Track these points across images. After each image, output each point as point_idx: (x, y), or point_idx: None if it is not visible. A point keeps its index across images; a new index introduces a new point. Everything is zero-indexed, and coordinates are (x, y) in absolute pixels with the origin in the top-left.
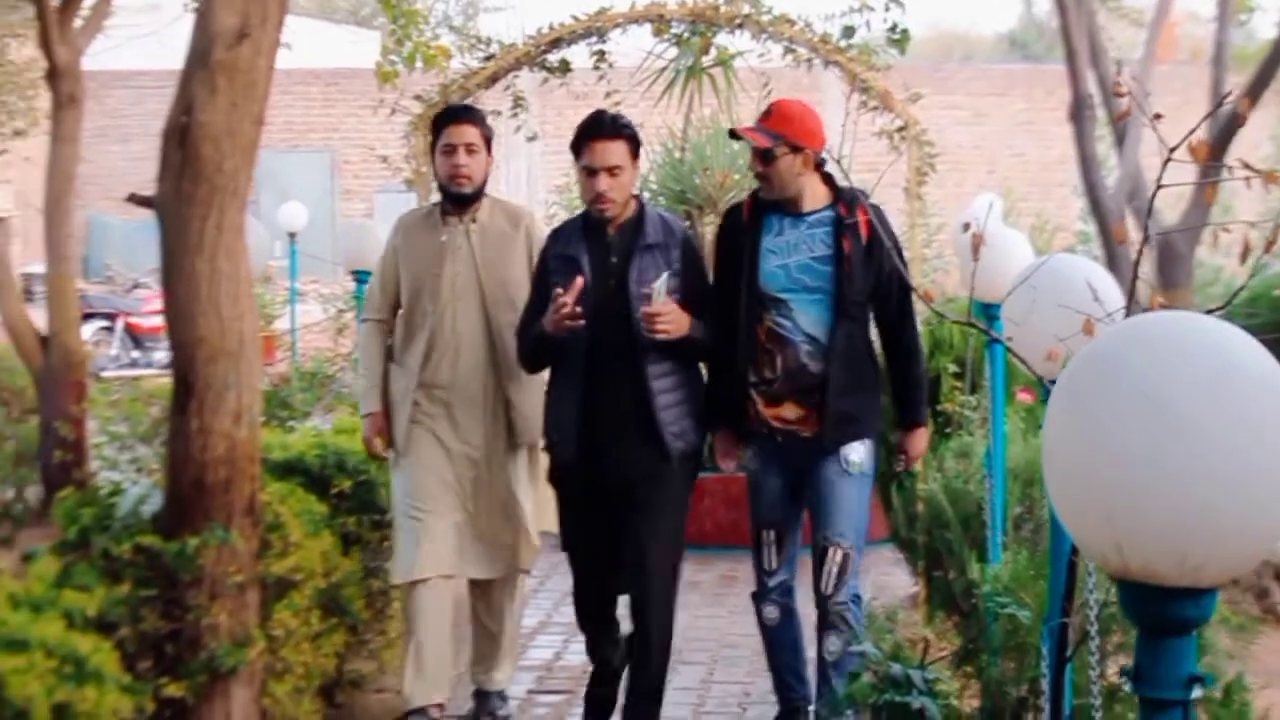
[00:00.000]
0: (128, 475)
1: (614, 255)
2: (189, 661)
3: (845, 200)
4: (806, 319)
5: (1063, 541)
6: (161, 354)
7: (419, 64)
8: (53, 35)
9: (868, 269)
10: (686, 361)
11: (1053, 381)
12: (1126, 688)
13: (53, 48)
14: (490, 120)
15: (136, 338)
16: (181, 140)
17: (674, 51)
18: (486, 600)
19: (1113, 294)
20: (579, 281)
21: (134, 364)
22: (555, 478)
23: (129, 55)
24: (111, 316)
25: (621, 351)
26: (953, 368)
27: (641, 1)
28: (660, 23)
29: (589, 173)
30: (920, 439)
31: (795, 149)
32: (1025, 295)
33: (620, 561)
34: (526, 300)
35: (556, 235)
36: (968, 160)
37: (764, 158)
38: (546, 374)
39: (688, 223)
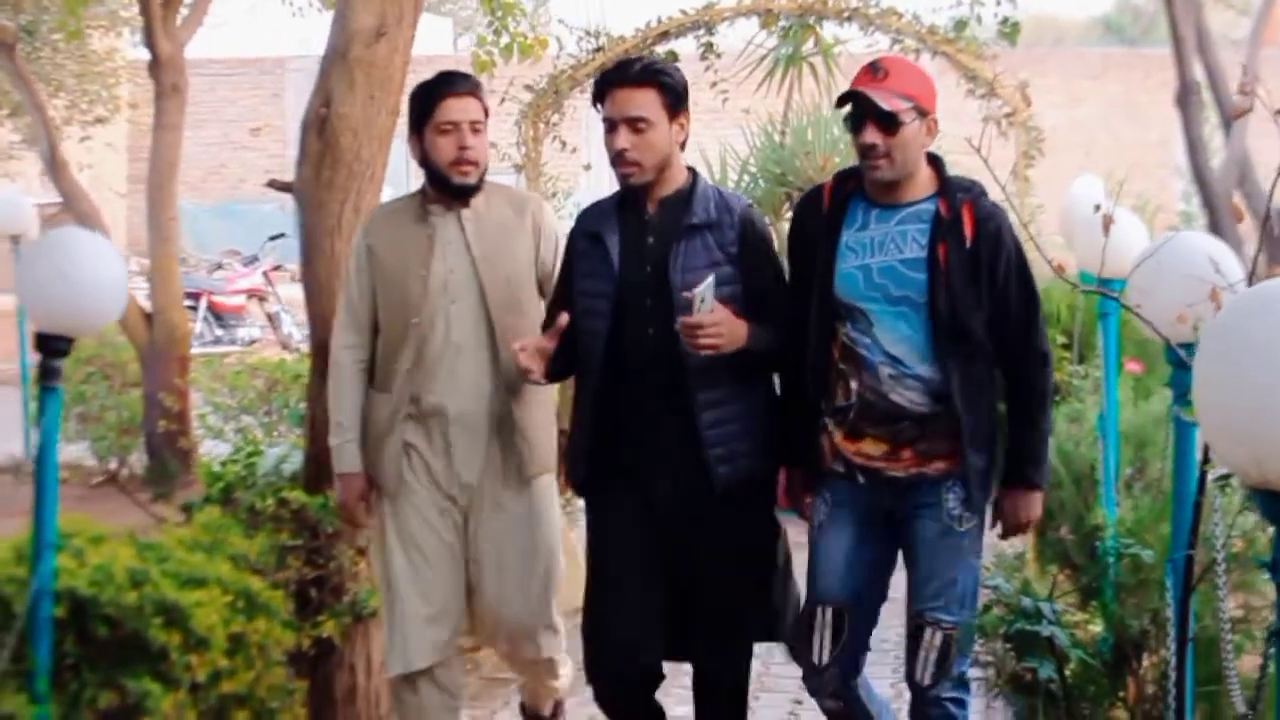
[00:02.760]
0: (233, 443)
1: (651, 236)
2: (333, 605)
3: (948, 193)
4: (889, 336)
5: (1186, 484)
6: (244, 331)
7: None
8: (156, 28)
9: (972, 281)
10: (747, 375)
11: (1182, 345)
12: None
13: (156, 40)
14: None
15: (220, 315)
16: (321, 130)
17: (774, 40)
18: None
19: (1231, 267)
20: (562, 319)
21: (217, 341)
22: (589, 523)
23: (199, 44)
24: (195, 295)
25: (658, 355)
26: (1061, 339)
27: None
28: (768, 16)
29: (608, 127)
30: (1032, 503)
31: (922, 114)
32: (1151, 268)
33: (670, 623)
34: (551, 296)
35: (586, 213)
36: (1063, 143)
37: (887, 125)
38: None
39: (786, 205)
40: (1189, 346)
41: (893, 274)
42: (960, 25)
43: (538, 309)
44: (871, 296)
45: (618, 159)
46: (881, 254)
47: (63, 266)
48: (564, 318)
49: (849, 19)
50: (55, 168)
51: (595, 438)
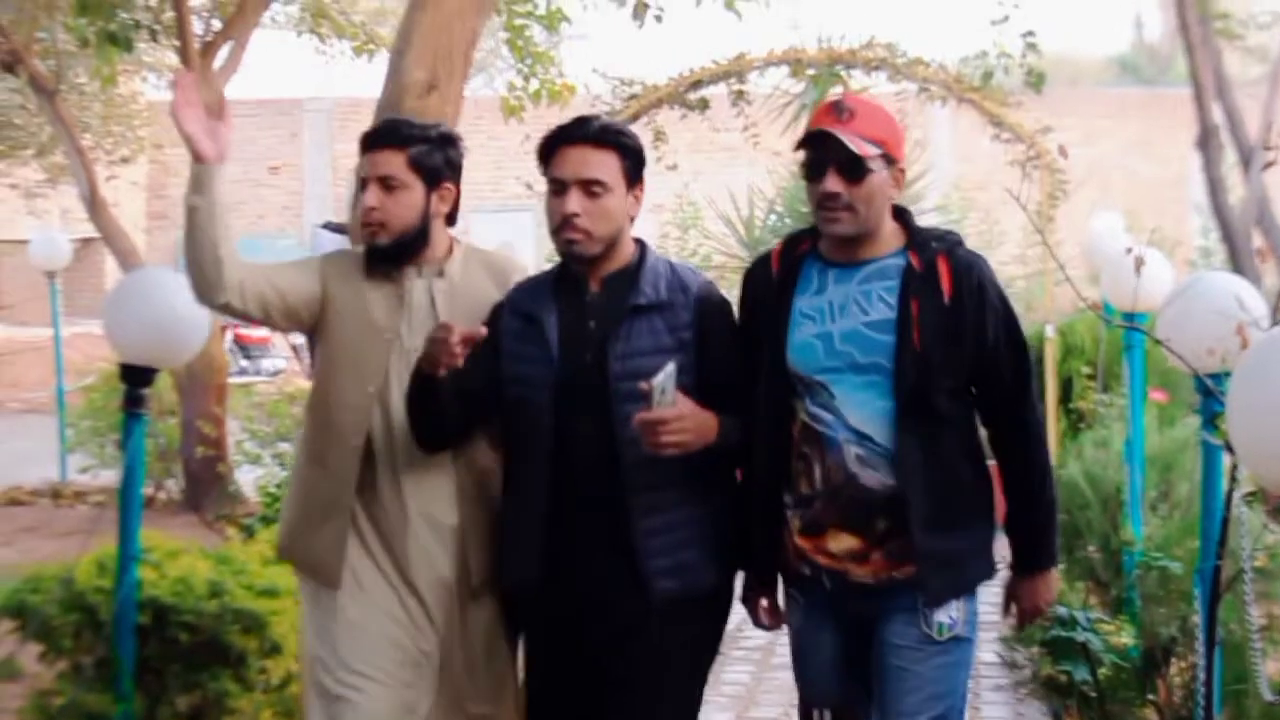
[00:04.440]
0: (269, 468)
1: (592, 318)
2: None
3: (919, 245)
4: (856, 411)
5: (1214, 500)
6: (268, 362)
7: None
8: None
9: (951, 339)
10: (707, 473)
11: (1210, 375)
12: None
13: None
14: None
15: (245, 347)
16: None
17: (801, 86)
18: None
19: (1256, 303)
20: (481, 332)
21: (243, 372)
22: (516, 616)
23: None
24: (222, 329)
25: (592, 454)
26: (1085, 369)
27: (780, 46)
28: (798, 65)
29: (556, 189)
30: (1047, 587)
31: (890, 161)
32: (1181, 306)
33: None
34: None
35: (519, 289)
36: (1080, 180)
37: (852, 172)
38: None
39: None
40: (1216, 376)
41: (858, 339)
42: (987, 76)
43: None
44: (833, 366)
45: (563, 225)
46: (844, 318)
47: (147, 303)
48: (481, 330)
49: (877, 68)
50: (94, 206)
51: (542, 542)
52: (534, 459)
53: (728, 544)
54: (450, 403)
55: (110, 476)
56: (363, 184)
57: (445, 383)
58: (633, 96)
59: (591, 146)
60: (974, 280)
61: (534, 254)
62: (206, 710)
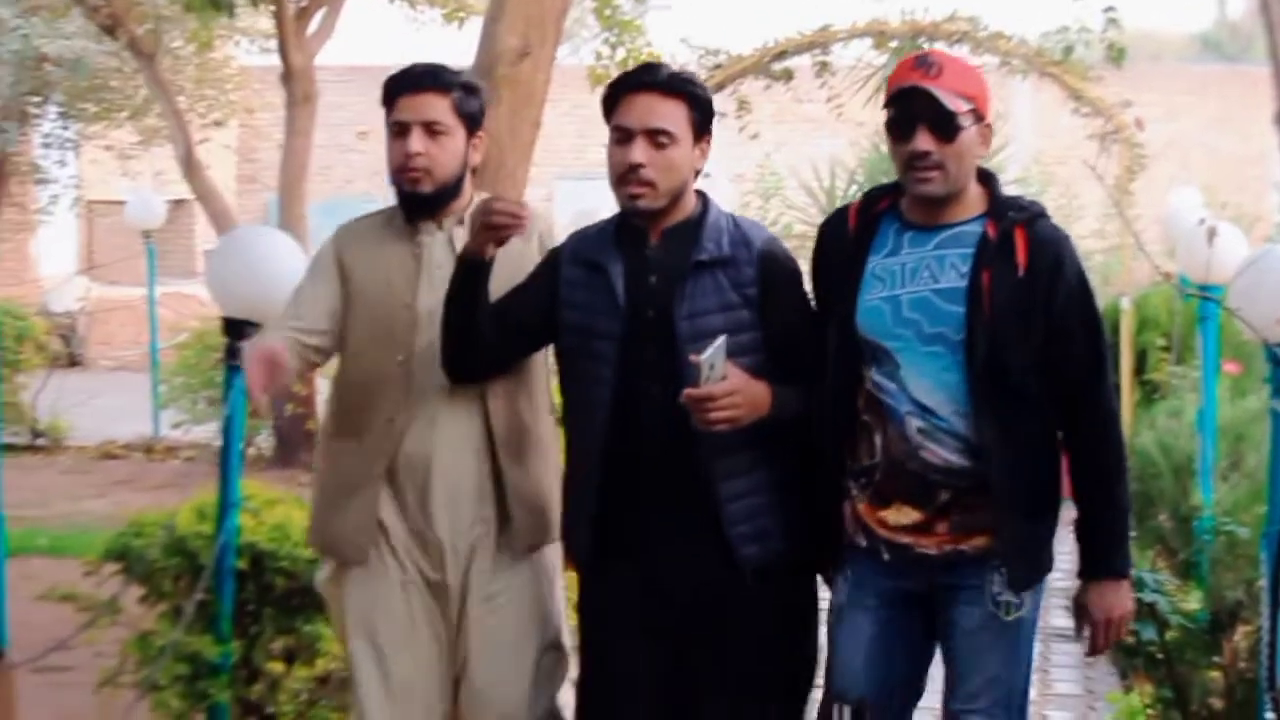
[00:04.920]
0: None
1: (653, 273)
2: None
3: (999, 214)
4: (919, 381)
5: None
6: None
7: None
8: (289, 41)
9: (1022, 315)
10: (776, 439)
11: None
12: None
13: (289, 52)
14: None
15: None
16: None
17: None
18: None
19: None
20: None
21: None
22: (580, 608)
23: None
24: None
25: (666, 416)
26: (1160, 341)
27: (864, 17)
28: (881, 37)
29: (620, 137)
30: (1121, 597)
31: (979, 118)
32: (1252, 276)
33: None
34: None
35: (578, 237)
36: (1160, 156)
37: (944, 129)
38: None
39: None
40: None
41: (926, 307)
42: (1067, 51)
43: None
44: (899, 334)
45: (626, 176)
46: (914, 283)
47: (248, 258)
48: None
49: (959, 41)
50: (190, 168)
51: (600, 501)
52: (595, 418)
53: (808, 514)
54: (487, 323)
55: (201, 432)
56: (400, 129)
57: (486, 281)
58: (717, 66)
59: (660, 94)
60: (1051, 255)
61: None
62: (300, 652)
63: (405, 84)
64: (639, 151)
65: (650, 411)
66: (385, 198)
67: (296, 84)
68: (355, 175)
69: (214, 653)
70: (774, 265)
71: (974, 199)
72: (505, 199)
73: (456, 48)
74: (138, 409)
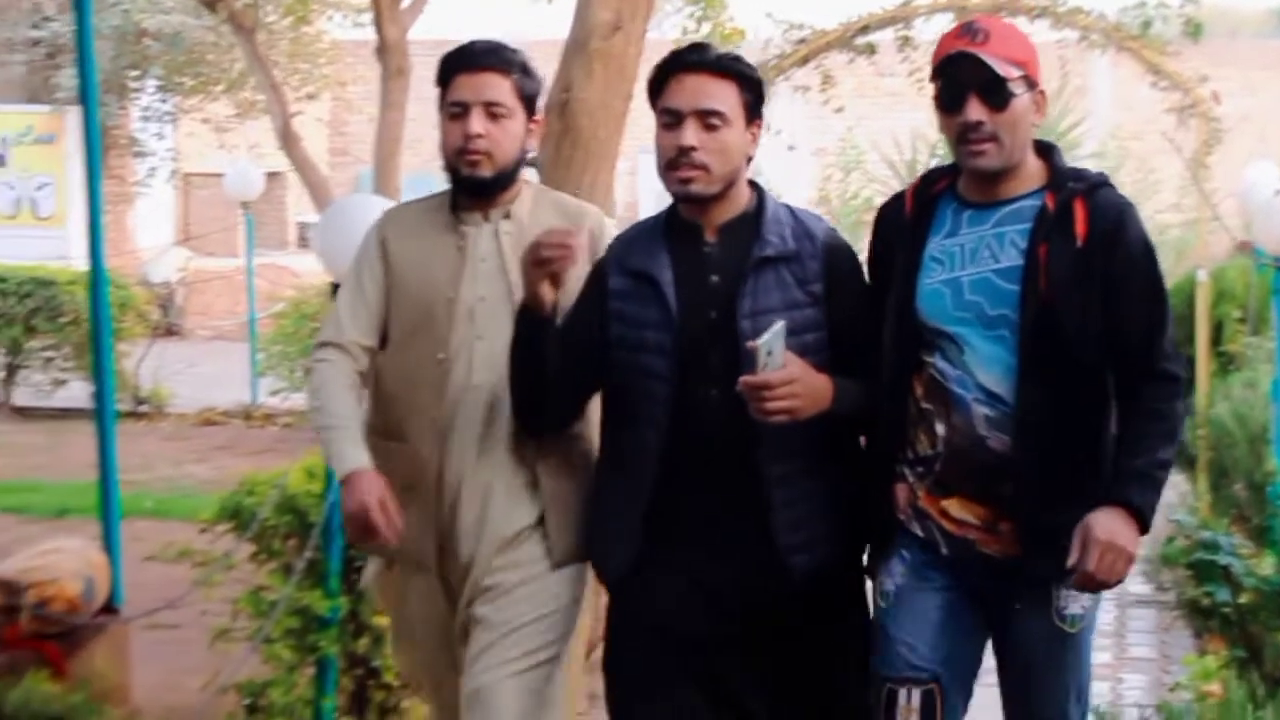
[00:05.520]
0: None
1: (713, 272)
2: None
3: (1058, 185)
4: (985, 368)
5: None
6: None
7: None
8: (384, 15)
9: (1081, 285)
10: (834, 442)
11: None
12: None
13: (384, 26)
14: (797, 98)
15: None
16: (561, 112)
17: None
18: None
19: None
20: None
21: None
22: (611, 627)
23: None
24: None
25: (723, 421)
26: (1236, 313)
27: None
28: (962, 12)
29: (669, 120)
30: (1129, 533)
31: (1031, 85)
32: None
33: None
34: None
35: (624, 241)
36: (1236, 130)
37: (995, 98)
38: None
39: None
40: None
41: (987, 288)
42: (1145, 25)
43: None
44: (962, 318)
45: (677, 160)
46: (974, 264)
47: (357, 226)
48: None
49: (1039, 16)
50: (287, 140)
51: (647, 511)
52: (645, 431)
53: (858, 516)
54: (557, 360)
55: (299, 398)
56: (459, 110)
57: (553, 329)
58: (801, 40)
59: (710, 75)
60: (1111, 220)
61: None
62: None
63: (464, 62)
64: (690, 134)
65: (708, 415)
66: None
67: (390, 58)
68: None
69: (323, 607)
70: (839, 259)
71: (1033, 172)
72: (552, 229)
73: (545, 23)
74: (236, 377)
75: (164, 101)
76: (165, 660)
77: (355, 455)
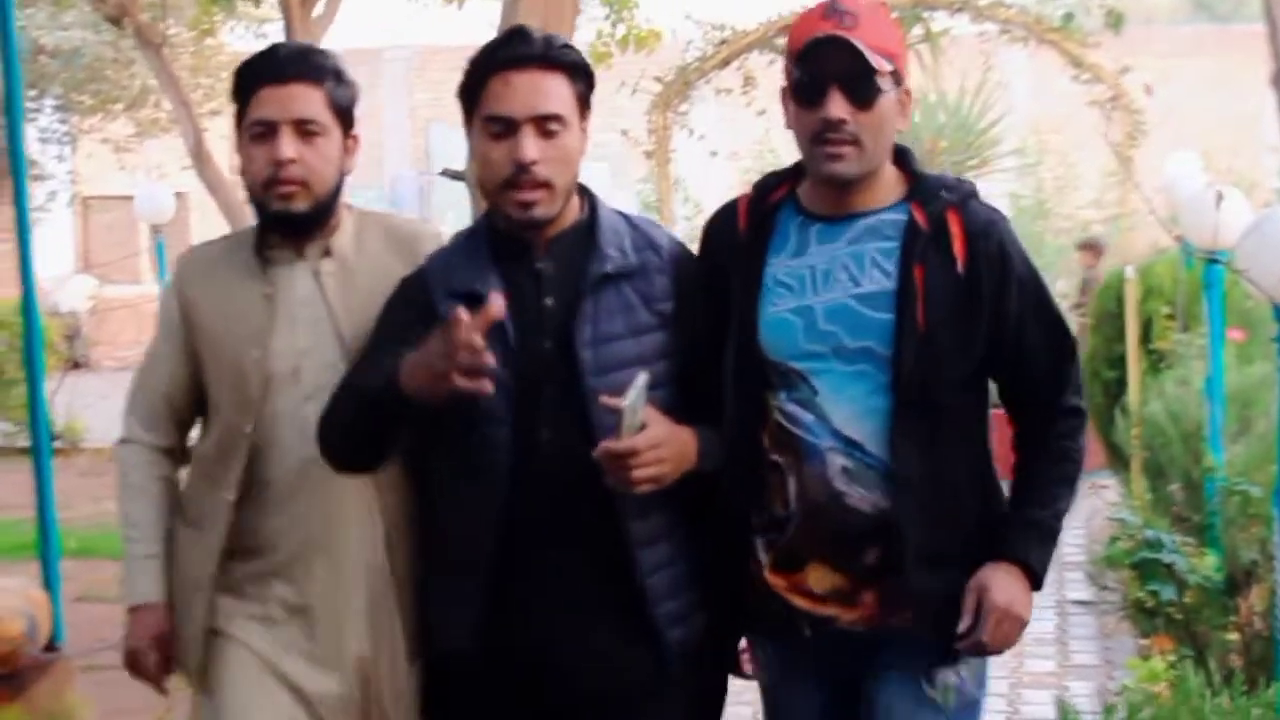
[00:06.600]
0: None
1: (547, 295)
2: None
3: (925, 195)
4: (843, 410)
5: None
6: None
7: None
8: (295, 25)
9: (964, 317)
10: (698, 492)
11: None
12: None
13: (294, 36)
14: (719, 98)
15: None
16: None
17: None
18: None
19: None
20: (495, 304)
21: None
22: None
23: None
24: None
25: (563, 470)
26: (1165, 310)
27: None
28: (881, 9)
29: (499, 130)
30: (1025, 594)
31: (898, 81)
32: (1257, 239)
33: None
34: (364, 349)
35: (441, 262)
36: (1153, 120)
37: (860, 94)
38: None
39: None
40: None
41: (846, 316)
42: (1068, 18)
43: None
44: (815, 351)
45: (516, 179)
46: (828, 289)
47: None
48: (497, 302)
49: (959, 10)
50: (200, 159)
51: (487, 588)
52: (484, 482)
53: (717, 577)
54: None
55: None
56: (264, 129)
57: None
58: (723, 42)
59: (540, 69)
60: (994, 243)
61: (628, 207)
62: None
63: (266, 73)
64: (530, 145)
65: (547, 466)
66: (384, 187)
67: None
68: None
69: None
70: (688, 272)
71: (890, 181)
72: (459, 320)
73: (459, 30)
74: None
75: (63, 122)
76: (106, 701)
77: (145, 585)
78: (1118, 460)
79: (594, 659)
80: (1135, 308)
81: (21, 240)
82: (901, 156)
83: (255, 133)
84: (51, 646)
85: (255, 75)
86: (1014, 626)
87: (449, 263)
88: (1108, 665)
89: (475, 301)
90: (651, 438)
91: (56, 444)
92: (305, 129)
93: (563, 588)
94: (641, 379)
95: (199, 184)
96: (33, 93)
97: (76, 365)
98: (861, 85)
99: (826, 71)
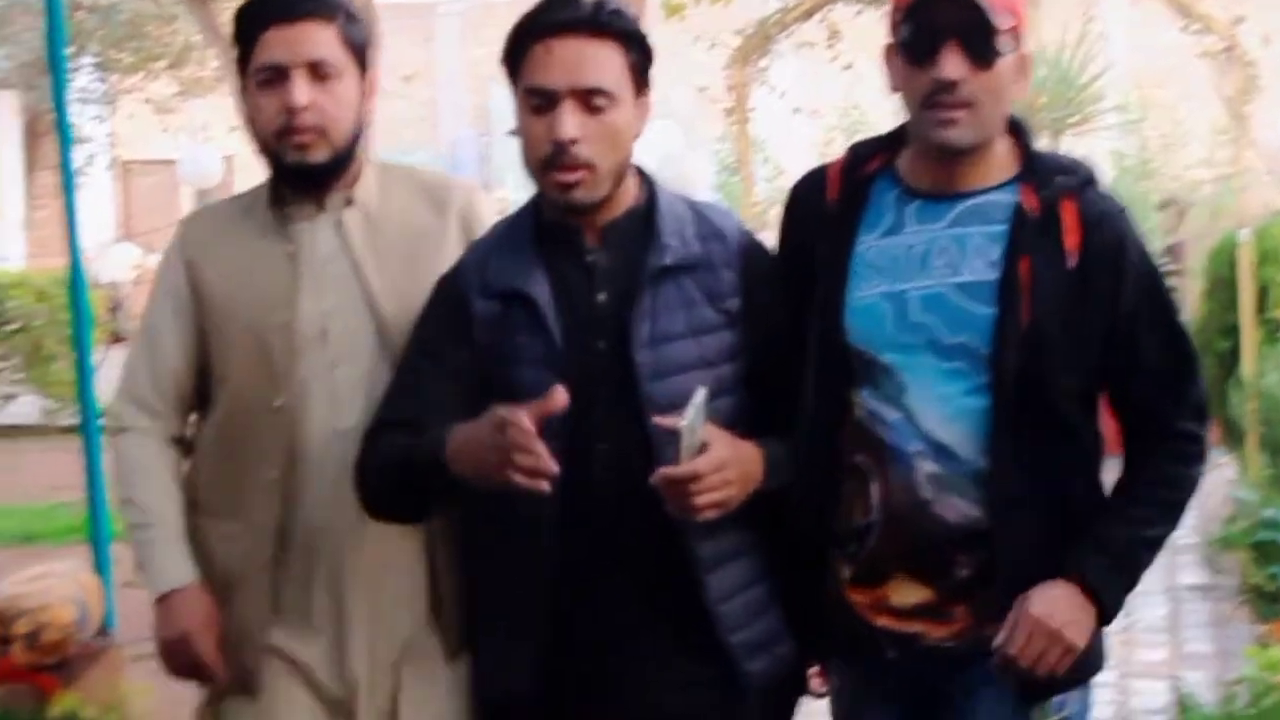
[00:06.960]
0: None
1: (600, 289)
2: None
3: (1038, 178)
4: (934, 411)
5: None
6: None
7: None
8: None
9: (1076, 322)
10: (768, 508)
11: None
12: None
13: None
14: (802, 52)
15: None
16: None
17: None
18: None
19: None
20: (558, 396)
21: None
22: None
23: None
24: None
25: (619, 486)
26: None
27: None
28: None
29: (539, 103)
30: (1075, 615)
31: (1018, 40)
32: None
33: None
34: (399, 367)
35: (481, 253)
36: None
37: (980, 52)
38: None
39: None
40: None
41: (943, 307)
42: None
43: None
44: (906, 344)
45: (555, 158)
46: (925, 274)
47: None
48: (560, 395)
49: None
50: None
51: (545, 625)
52: (535, 502)
53: (797, 598)
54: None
55: None
56: (274, 75)
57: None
58: None
59: (587, 36)
60: (1111, 237)
61: (705, 169)
62: None
63: (273, 11)
64: (569, 122)
65: (602, 481)
66: (436, 146)
67: None
68: (401, 124)
69: None
70: (758, 266)
71: (1002, 156)
72: (516, 424)
73: None
74: None
75: (101, 81)
76: (155, 690)
77: (175, 569)
78: (1232, 436)
79: (664, 692)
80: (1250, 274)
81: (68, 208)
82: (1016, 129)
83: (263, 79)
84: (103, 632)
85: (261, 14)
86: (1053, 645)
87: (488, 253)
88: (1223, 654)
89: (517, 302)
90: (715, 460)
91: (102, 422)
92: (319, 72)
93: (627, 619)
94: (700, 394)
95: (247, 146)
96: (70, 50)
97: (119, 339)
98: (980, 42)
99: (941, 26)
